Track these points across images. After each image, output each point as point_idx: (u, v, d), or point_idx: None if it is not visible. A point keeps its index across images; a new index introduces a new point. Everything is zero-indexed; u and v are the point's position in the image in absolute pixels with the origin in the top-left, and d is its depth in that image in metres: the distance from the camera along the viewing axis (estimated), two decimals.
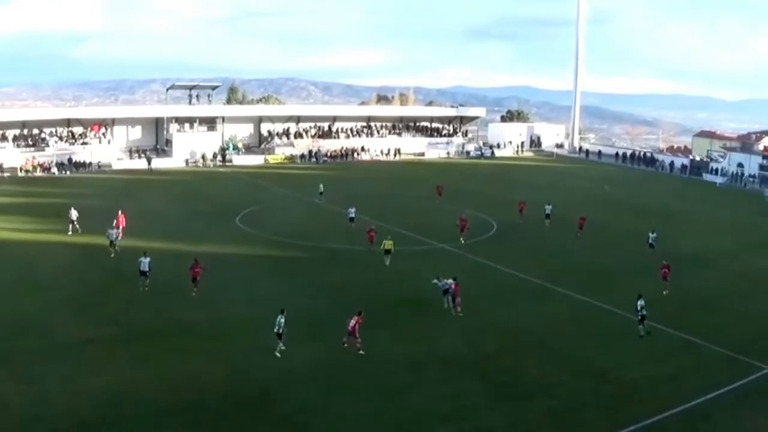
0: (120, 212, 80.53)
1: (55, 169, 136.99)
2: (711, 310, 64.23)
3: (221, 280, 67.48)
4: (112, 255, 73.59)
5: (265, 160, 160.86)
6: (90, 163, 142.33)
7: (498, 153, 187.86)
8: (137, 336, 51.61)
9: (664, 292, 64.49)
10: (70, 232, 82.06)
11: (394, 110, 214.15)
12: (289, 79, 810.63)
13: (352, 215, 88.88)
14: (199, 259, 63.79)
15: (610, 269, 75.18)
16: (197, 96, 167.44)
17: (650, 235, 75.02)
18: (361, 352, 50.49)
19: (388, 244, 73.76)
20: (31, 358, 48.80)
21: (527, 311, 61.79)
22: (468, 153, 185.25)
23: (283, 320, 49.28)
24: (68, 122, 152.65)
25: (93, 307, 59.00)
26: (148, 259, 63.40)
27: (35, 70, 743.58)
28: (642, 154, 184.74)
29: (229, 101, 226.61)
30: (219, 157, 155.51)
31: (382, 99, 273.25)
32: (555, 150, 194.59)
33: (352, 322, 50.62)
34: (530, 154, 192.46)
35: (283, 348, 49.11)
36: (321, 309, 60.52)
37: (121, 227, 78.90)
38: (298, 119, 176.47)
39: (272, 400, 44.04)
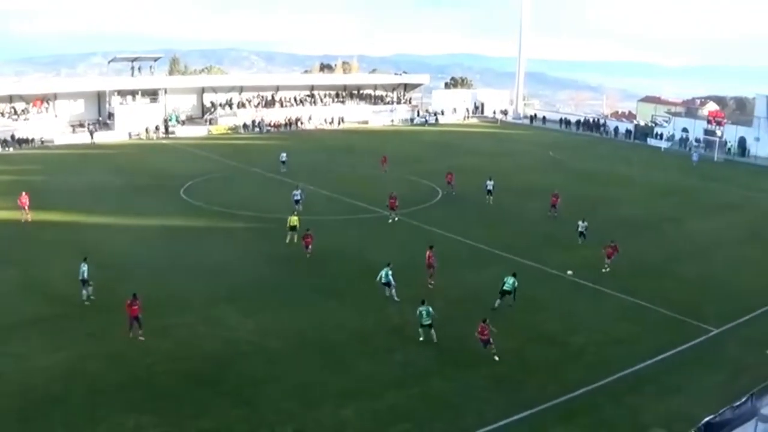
0: (24, 192, 78.51)
1: None
2: (657, 274, 65.05)
3: (167, 254, 67.34)
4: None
5: (209, 131, 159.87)
6: (32, 139, 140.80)
7: (442, 120, 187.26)
8: (85, 313, 51.20)
9: (603, 270, 64.39)
10: (23, 219, 79.99)
11: (338, 79, 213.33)
12: (232, 49, 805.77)
13: (298, 197, 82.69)
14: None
15: (558, 234, 75.44)
16: (139, 68, 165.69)
17: (580, 223, 72.48)
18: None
19: (293, 220, 70.46)
20: None
21: (475, 278, 62.20)
22: (412, 120, 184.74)
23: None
24: (10, 98, 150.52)
25: (41, 287, 58.41)
26: (86, 266, 55.03)
27: None
28: (587, 120, 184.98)
29: (171, 72, 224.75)
30: (162, 129, 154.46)
31: (325, 68, 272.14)
32: (499, 116, 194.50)
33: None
34: (475, 120, 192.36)
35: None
36: (267, 280, 60.44)
37: (26, 206, 77.08)
38: (241, 89, 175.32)
39: (221, 373, 44.00)
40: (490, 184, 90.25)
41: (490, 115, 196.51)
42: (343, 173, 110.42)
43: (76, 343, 47.15)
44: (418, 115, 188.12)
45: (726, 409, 32.41)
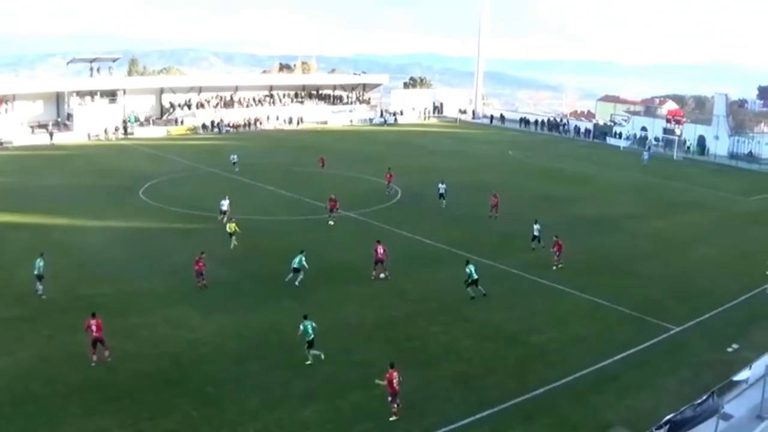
0: None
1: None
2: (618, 272, 65.54)
3: (127, 255, 67.23)
4: None
5: (168, 131, 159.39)
6: None
7: (401, 120, 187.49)
8: (45, 314, 50.86)
9: (554, 267, 64.72)
10: None
11: (297, 79, 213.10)
12: (191, 49, 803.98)
13: (224, 208, 79.16)
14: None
15: (517, 233, 75.58)
16: (98, 69, 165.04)
17: (535, 226, 70.92)
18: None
19: (231, 227, 69.57)
20: None
21: (434, 277, 62.38)
22: (371, 120, 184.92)
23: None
24: None
25: None
26: (42, 262, 56.09)
27: None
28: (547, 119, 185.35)
29: (130, 73, 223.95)
30: (121, 130, 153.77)
31: (285, 68, 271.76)
32: (458, 116, 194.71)
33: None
34: (434, 120, 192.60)
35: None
36: (226, 280, 60.46)
37: None
38: (199, 90, 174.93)
39: (183, 374, 44.01)
40: (442, 187, 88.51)
41: (450, 115, 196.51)
42: (301, 173, 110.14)
43: (35, 344, 46.86)
44: (381, 115, 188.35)
45: (687, 407, 32.59)
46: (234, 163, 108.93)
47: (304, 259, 58.64)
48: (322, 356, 45.58)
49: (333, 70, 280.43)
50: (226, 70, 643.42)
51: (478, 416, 39.39)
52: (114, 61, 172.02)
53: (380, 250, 60.76)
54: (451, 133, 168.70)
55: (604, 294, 58.42)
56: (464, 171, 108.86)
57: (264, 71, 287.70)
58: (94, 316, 45.45)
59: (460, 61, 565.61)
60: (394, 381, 38.87)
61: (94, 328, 44.89)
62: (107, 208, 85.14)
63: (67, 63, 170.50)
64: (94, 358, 45.10)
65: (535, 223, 70.69)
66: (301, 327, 45.20)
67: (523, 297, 58.16)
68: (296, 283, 58.18)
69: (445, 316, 53.03)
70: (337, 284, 58.48)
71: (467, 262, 56.53)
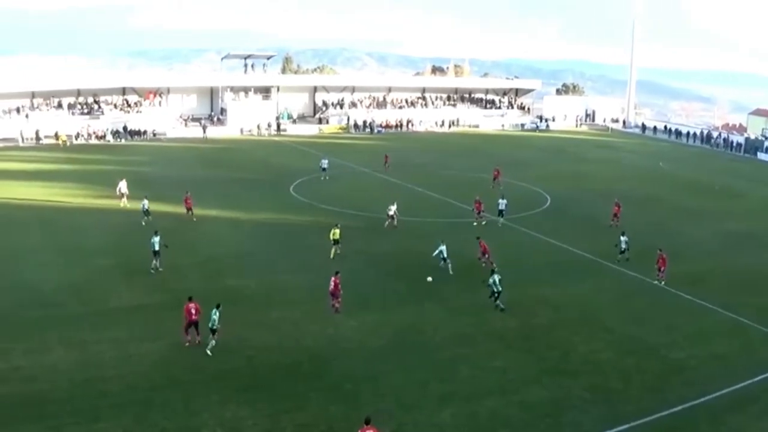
0: (187, 192, 79.22)
1: (110, 137, 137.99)
2: (765, 291, 63.42)
3: (274, 248, 68.64)
4: (143, 224, 73.66)
5: (320, 130, 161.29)
6: (145, 131, 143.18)
7: (553, 126, 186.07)
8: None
9: (655, 282, 62.43)
10: (121, 204, 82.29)
11: (449, 81, 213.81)
12: (345, 49, 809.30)
13: (391, 212, 77.66)
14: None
15: (664, 246, 74.20)
16: (252, 65, 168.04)
17: (622, 238, 68.45)
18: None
19: (335, 233, 67.06)
20: (81, 323, 49.95)
21: (579, 287, 61.60)
22: (523, 125, 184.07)
23: (216, 316, 45.80)
24: (123, 90, 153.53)
25: (143, 275, 59.76)
26: (158, 237, 60.39)
27: (89, 41, 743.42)
28: (699, 131, 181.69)
29: (284, 71, 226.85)
30: (274, 127, 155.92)
31: (437, 70, 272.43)
32: (610, 124, 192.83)
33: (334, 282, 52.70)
34: (585, 128, 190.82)
35: (214, 344, 45.82)
36: (371, 278, 61.12)
37: (190, 206, 77.71)
38: (352, 89, 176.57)
39: (322, 369, 44.46)
40: (502, 203, 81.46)
41: (601, 123, 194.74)
42: (449, 176, 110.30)
43: (176, 331, 47.70)
44: (537, 121, 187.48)
45: None
46: (324, 170, 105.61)
47: (445, 250, 61.24)
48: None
49: (486, 74, 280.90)
50: (380, 70, 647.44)
51: (614, 430, 38.91)
52: (268, 58, 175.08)
53: (484, 245, 63.09)
54: (602, 142, 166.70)
55: (749, 313, 56.40)
56: (613, 180, 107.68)
57: (417, 73, 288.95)
58: (191, 300, 47.00)
59: (612, 68, 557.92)
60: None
61: (193, 311, 46.44)
62: (257, 201, 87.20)
63: (222, 58, 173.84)
64: (188, 338, 46.69)
65: (622, 235, 68.46)
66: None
67: (665, 311, 56.85)
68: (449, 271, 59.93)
69: (586, 326, 52.51)
70: (481, 289, 57.22)
71: (492, 272, 55.29)
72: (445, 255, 61.62)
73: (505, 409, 40.48)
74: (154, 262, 60.22)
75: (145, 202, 75.45)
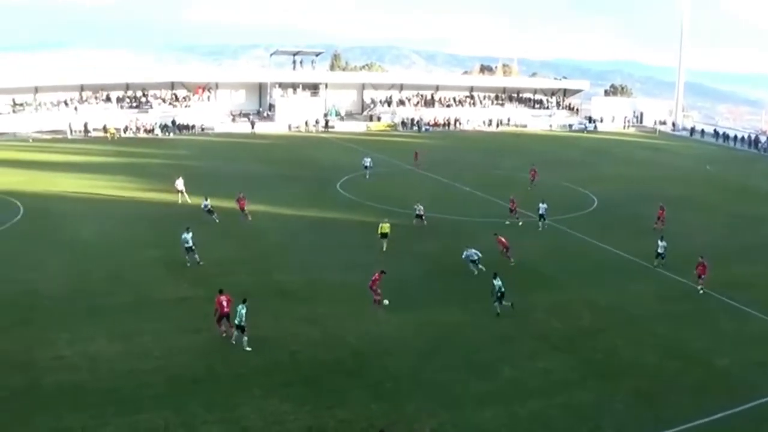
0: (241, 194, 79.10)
1: (158, 131, 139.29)
2: None
3: (321, 245, 69.15)
4: (217, 221, 74.14)
5: (367, 127, 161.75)
6: (193, 126, 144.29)
7: (600, 127, 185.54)
8: (232, 296, 51.88)
9: (700, 291, 60.97)
10: (180, 201, 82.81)
11: (497, 81, 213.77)
12: (393, 47, 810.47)
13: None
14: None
15: (708, 250, 73.60)
16: (300, 62, 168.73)
17: (660, 243, 67.24)
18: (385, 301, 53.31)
19: (384, 227, 67.99)
20: (125, 314, 50.58)
21: (623, 289, 61.23)
22: (571, 126, 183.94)
23: (244, 311, 45.69)
24: (172, 85, 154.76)
25: (189, 268, 60.37)
26: (190, 234, 61.22)
27: (137, 35, 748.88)
28: (747, 135, 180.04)
29: (332, 68, 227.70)
30: (321, 123, 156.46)
31: (485, 69, 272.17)
32: (658, 127, 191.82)
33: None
34: (633, 130, 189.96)
35: (246, 339, 45.65)
36: (415, 277, 61.11)
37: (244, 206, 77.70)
38: (400, 87, 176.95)
39: (364, 366, 44.76)
40: (542, 207, 79.61)
41: (649, 125, 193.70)
42: (497, 176, 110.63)
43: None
44: (585, 122, 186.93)
45: None
46: (366, 168, 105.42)
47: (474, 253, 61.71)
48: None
49: (534, 74, 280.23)
50: (428, 69, 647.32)
51: None
52: (317, 55, 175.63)
53: (503, 240, 64.40)
54: (649, 144, 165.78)
55: None
56: (660, 182, 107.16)
57: (465, 72, 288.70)
58: (221, 292, 47.25)
59: (660, 70, 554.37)
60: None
61: (225, 303, 46.69)
62: (304, 197, 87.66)
63: (270, 55, 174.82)
64: (222, 329, 46.99)
65: (661, 240, 67.62)
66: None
67: (710, 317, 56.47)
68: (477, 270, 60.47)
69: (631, 329, 52.27)
70: (525, 290, 57.44)
71: (495, 275, 54.51)
72: (476, 259, 61.60)
73: (547, 411, 40.43)
74: (192, 257, 60.71)
75: (207, 201, 75.45)
